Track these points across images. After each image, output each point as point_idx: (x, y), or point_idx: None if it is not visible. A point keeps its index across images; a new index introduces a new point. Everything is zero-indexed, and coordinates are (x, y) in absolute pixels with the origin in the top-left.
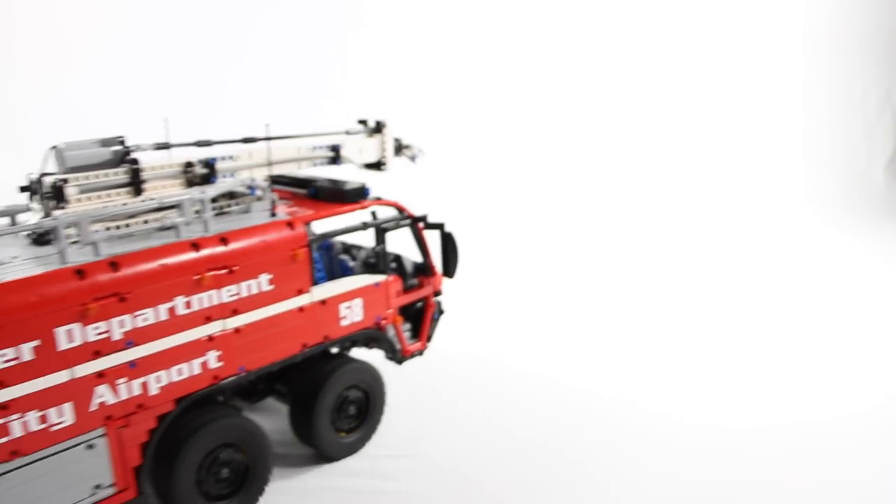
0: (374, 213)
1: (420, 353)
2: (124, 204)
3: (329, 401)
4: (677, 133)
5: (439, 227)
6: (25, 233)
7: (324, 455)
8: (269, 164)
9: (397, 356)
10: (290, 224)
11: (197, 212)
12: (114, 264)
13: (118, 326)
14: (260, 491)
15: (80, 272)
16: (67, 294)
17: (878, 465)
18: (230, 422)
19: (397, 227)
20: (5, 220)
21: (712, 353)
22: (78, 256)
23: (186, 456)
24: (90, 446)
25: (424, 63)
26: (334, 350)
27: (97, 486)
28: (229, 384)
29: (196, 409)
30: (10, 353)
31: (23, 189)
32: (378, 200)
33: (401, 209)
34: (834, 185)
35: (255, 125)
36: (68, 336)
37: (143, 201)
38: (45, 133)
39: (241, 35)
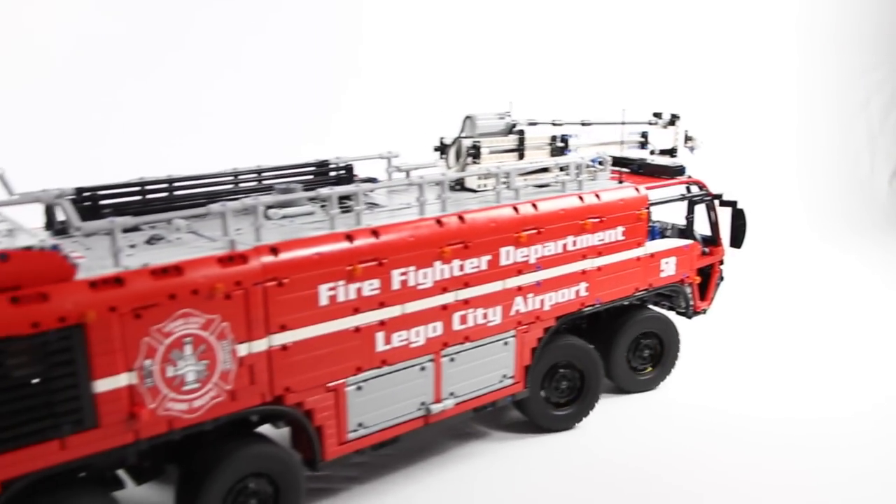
0: (688, 188)
1: (704, 311)
2: (532, 162)
3: (625, 340)
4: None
5: (732, 203)
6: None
7: (622, 388)
8: (602, 143)
9: (689, 311)
10: (636, 189)
11: (577, 173)
12: (534, 206)
13: (534, 253)
14: (595, 398)
15: (515, 209)
16: (510, 223)
17: None
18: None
19: (702, 201)
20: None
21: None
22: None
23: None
24: (506, 343)
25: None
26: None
27: (504, 376)
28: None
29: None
30: (474, 262)
31: (436, 149)
32: (689, 178)
33: (703, 186)
34: (834, 197)
35: (588, 112)
36: (506, 255)
37: (530, 162)
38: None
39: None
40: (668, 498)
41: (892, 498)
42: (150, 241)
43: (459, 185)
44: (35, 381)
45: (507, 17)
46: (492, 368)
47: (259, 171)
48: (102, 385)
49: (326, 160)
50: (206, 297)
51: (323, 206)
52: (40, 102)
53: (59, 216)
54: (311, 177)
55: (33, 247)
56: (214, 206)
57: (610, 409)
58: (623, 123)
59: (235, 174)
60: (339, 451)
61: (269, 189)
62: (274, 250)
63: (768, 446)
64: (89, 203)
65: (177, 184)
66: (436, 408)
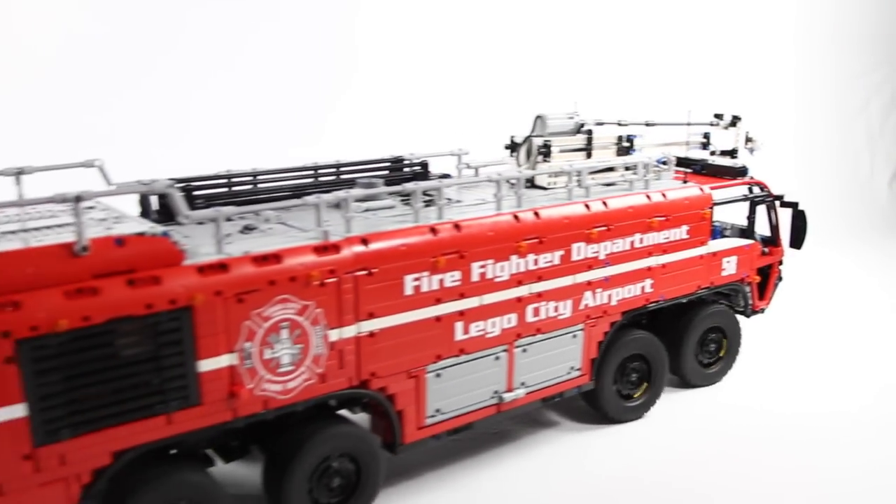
0: (750, 189)
1: (762, 310)
2: (599, 162)
3: (694, 335)
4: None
5: (793, 205)
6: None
7: (688, 382)
8: (667, 144)
9: (747, 310)
10: (701, 188)
11: (644, 172)
12: (605, 203)
13: (603, 249)
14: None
15: (587, 206)
16: (582, 220)
17: None
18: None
19: (763, 201)
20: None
21: None
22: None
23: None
24: (574, 336)
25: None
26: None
27: (572, 368)
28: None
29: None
30: (547, 256)
31: (506, 147)
32: (751, 179)
33: (764, 187)
34: (833, 200)
35: (652, 110)
36: (577, 251)
37: (600, 161)
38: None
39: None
40: (739, 483)
41: None
42: (244, 230)
43: (530, 183)
44: (146, 359)
45: (527, 17)
46: (561, 360)
47: (337, 166)
48: (206, 365)
49: (401, 156)
50: (302, 284)
51: (404, 201)
52: (31, 104)
53: (154, 206)
54: (385, 172)
55: (146, 233)
56: (309, 198)
57: (669, 402)
58: (689, 124)
59: (315, 168)
60: (417, 435)
61: (346, 183)
62: (364, 241)
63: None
64: (184, 193)
65: (260, 176)
66: (508, 396)
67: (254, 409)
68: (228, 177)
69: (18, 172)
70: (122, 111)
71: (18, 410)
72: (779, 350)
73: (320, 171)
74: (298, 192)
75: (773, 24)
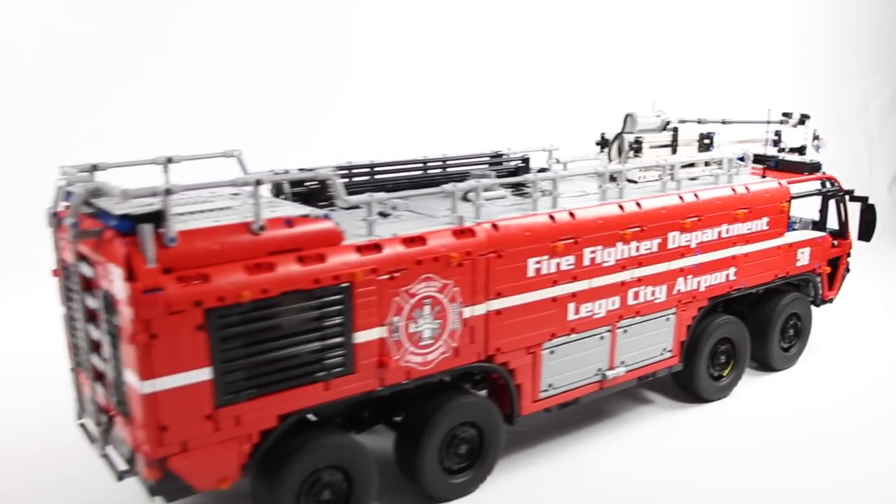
0: (823, 183)
1: (831, 300)
2: (686, 158)
3: (778, 322)
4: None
5: (863, 199)
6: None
7: (771, 367)
8: (744, 141)
9: (817, 299)
10: (779, 183)
11: (728, 167)
12: (696, 196)
13: (694, 238)
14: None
15: (681, 198)
16: (677, 211)
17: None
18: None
19: (834, 195)
20: (582, 164)
21: None
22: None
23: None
24: (667, 319)
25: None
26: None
27: (664, 349)
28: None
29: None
30: (647, 244)
31: (597, 143)
32: (824, 174)
33: (835, 182)
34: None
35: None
36: (673, 239)
37: (691, 157)
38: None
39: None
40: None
41: None
42: (381, 214)
43: (613, 178)
44: (311, 330)
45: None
46: (655, 342)
47: (444, 160)
48: (361, 336)
49: (500, 151)
50: (444, 264)
51: (518, 191)
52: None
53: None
54: (485, 166)
55: (309, 214)
56: (447, 186)
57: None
58: (768, 122)
59: (425, 161)
60: (532, 408)
61: (452, 175)
62: (495, 226)
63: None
64: (318, 183)
65: (377, 168)
66: (610, 374)
67: (398, 378)
68: (349, 168)
69: (168, 161)
70: (108, 112)
71: (205, 374)
72: None
73: (428, 165)
74: (414, 182)
75: (771, 25)
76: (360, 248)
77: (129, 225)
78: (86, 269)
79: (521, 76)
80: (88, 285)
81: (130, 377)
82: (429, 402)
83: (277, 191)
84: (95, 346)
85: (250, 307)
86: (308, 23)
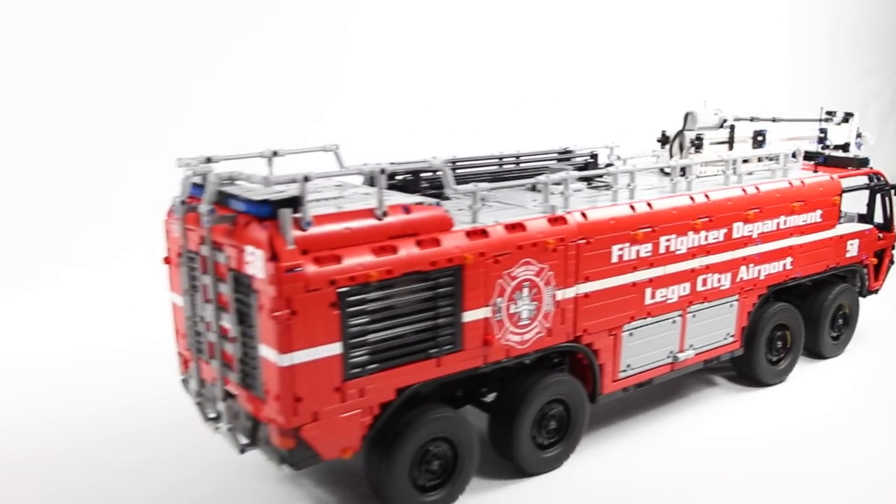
0: (870, 178)
1: (876, 291)
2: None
3: (830, 311)
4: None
5: None
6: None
7: (822, 355)
8: (795, 138)
9: (864, 290)
10: (832, 177)
11: (784, 162)
12: (757, 189)
13: (756, 229)
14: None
15: (744, 191)
16: (741, 203)
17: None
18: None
19: (881, 190)
20: (647, 160)
21: None
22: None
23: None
24: (731, 305)
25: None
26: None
27: (727, 334)
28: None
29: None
30: (715, 233)
31: (658, 140)
32: (871, 169)
33: (882, 177)
34: None
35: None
36: (737, 230)
37: (749, 152)
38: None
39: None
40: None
41: None
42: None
43: (682, 172)
44: (427, 309)
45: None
46: (720, 327)
47: (517, 156)
48: (469, 316)
49: (568, 147)
50: (541, 249)
51: (591, 185)
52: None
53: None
54: (554, 161)
55: (423, 202)
56: (540, 178)
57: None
58: (820, 120)
59: (500, 157)
60: (612, 387)
61: (527, 170)
62: (584, 215)
63: None
64: (412, 176)
65: (459, 163)
66: (680, 356)
67: (499, 356)
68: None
69: (274, 154)
70: (95, 112)
71: (336, 348)
72: None
73: (503, 160)
74: (497, 176)
75: (768, 26)
76: (469, 234)
77: (269, 210)
78: (213, 254)
79: (553, 77)
80: (214, 269)
81: (267, 352)
82: (522, 381)
83: (370, 183)
84: (216, 328)
85: (376, 286)
86: (309, 22)
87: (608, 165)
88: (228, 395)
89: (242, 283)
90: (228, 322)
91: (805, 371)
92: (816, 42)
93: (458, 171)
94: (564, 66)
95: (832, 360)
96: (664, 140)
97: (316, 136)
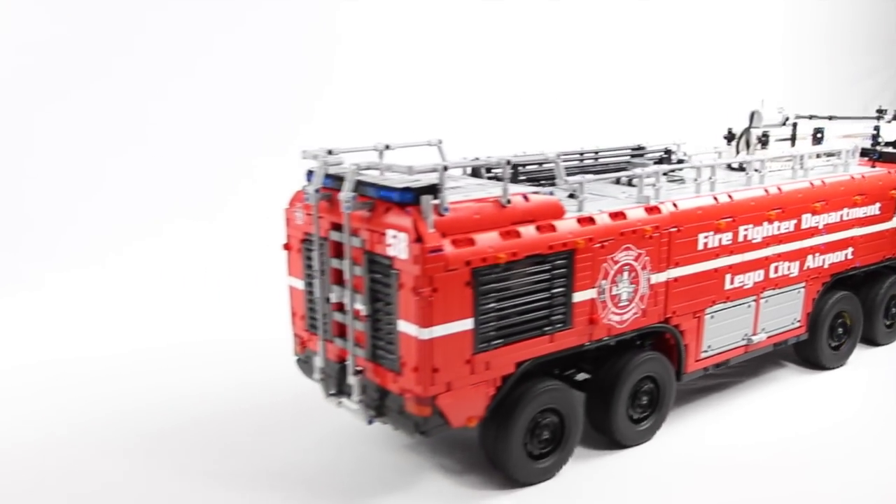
0: None
1: None
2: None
3: (885, 300)
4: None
5: None
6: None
7: (877, 342)
8: (847, 136)
9: None
10: (889, 172)
11: (846, 158)
12: (823, 182)
13: (822, 220)
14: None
15: (812, 184)
16: (809, 195)
17: None
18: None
19: None
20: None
21: None
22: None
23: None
24: (798, 292)
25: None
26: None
27: (794, 320)
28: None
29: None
30: (786, 224)
31: (724, 137)
32: None
33: None
34: None
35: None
36: (805, 220)
37: (813, 148)
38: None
39: None
40: None
41: None
42: (571, 195)
43: (737, 166)
44: (543, 289)
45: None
46: (788, 312)
47: (596, 151)
48: (578, 296)
49: (641, 144)
50: (639, 236)
51: (670, 178)
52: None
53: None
54: (628, 157)
55: (539, 191)
56: (637, 170)
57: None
58: (878, 118)
59: (581, 153)
60: (694, 366)
61: (604, 165)
62: (675, 205)
63: None
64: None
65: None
66: (754, 339)
67: (601, 334)
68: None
69: (386, 147)
70: (77, 112)
71: (468, 324)
72: None
73: (584, 155)
74: (583, 169)
75: (767, 27)
76: (580, 221)
77: (411, 196)
78: (350, 239)
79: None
80: (339, 252)
81: (407, 327)
82: (618, 359)
83: (474, 174)
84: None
85: (503, 267)
86: (308, 21)
87: (679, 161)
88: (358, 371)
89: (379, 265)
90: (360, 302)
91: (858, 355)
92: (817, 43)
93: (543, 165)
94: (565, 73)
95: (885, 347)
96: (730, 137)
97: (311, 136)
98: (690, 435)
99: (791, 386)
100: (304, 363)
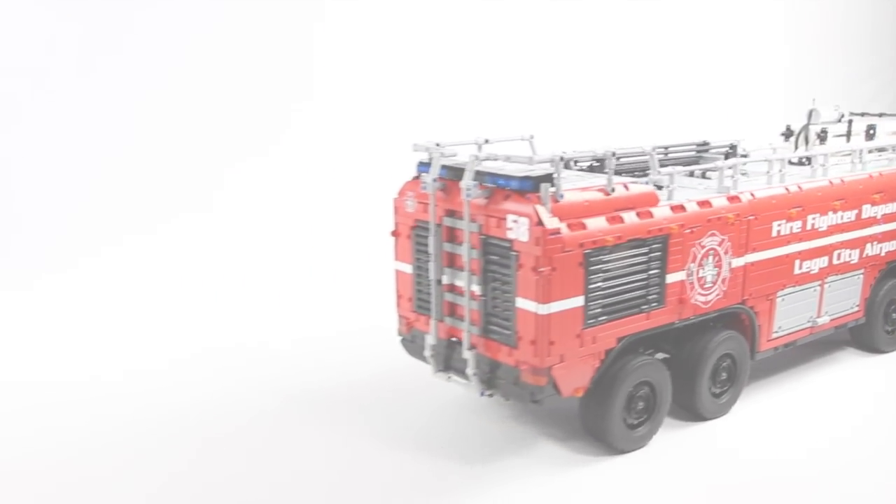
0: None
1: None
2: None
3: None
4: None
5: None
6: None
7: None
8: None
9: None
10: None
11: None
12: (881, 175)
13: (880, 210)
14: None
15: (871, 177)
16: (869, 186)
17: None
18: None
19: None
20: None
21: None
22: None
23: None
24: (858, 278)
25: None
26: None
27: (853, 304)
28: None
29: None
30: (849, 213)
31: (782, 134)
32: None
33: None
34: None
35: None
36: (865, 211)
37: (875, 143)
38: None
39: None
40: None
41: None
42: (657, 187)
43: (807, 161)
44: (642, 270)
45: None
46: (848, 297)
47: (666, 147)
48: (671, 278)
49: (707, 140)
50: (723, 223)
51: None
52: None
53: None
54: (693, 153)
55: (636, 182)
56: (718, 163)
57: None
58: None
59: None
60: (766, 346)
61: (679, 158)
62: (753, 195)
63: None
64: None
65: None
66: (819, 321)
67: (689, 314)
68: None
69: (486, 141)
70: (69, 110)
71: (579, 301)
72: None
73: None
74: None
75: (766, 27)
76: (672, 208)
77: (531, 185)
78: (454, 224)
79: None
80: (452, 237)
81: (525, 303)
82: (700, 338)
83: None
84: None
85: (609, 250)
86: (307, 20)
87: (744, 156)
88: (472, 347)
89: (495, 247)
90: (475, 282)
91: None
92: (817, 44)
93: (620, 159)
94: (565, 73)
95: None
96: (788, 133)
97: (313, 134)
98: (767, 408)
99: (850, 368)
100: (410, 342)
